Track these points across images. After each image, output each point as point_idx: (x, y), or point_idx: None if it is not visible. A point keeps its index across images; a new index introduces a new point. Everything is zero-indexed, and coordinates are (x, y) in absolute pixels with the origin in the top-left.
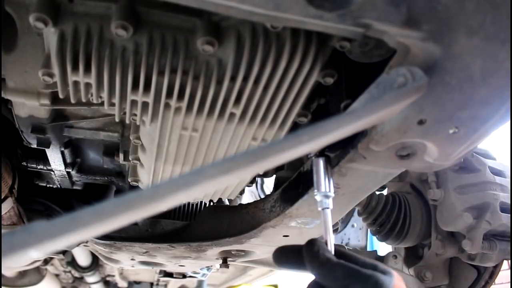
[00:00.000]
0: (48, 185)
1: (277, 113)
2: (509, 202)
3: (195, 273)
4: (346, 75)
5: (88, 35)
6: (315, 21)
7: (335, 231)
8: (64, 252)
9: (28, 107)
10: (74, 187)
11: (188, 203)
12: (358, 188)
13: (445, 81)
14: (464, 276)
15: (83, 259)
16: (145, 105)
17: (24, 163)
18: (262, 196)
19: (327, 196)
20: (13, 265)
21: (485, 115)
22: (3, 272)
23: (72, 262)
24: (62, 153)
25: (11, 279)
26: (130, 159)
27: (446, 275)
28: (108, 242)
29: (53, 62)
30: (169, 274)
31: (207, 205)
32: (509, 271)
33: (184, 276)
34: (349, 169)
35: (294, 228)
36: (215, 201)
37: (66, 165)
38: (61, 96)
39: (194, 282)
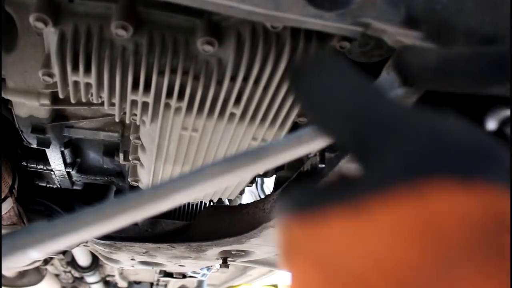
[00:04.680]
0: (48, 185)
1: (277, 113)
2: None
3: (195, 273)
4: None
5: (88, 35)
6: (315, 21)
7: None
8: (64, 252)
9: (28, 107)
10: (74, 187)
11: (188, 203)
12: None
13: None
14: None
15: (83, 259)
16: (145, 105)
17: (24, 163)
18: (262, 196)
19: None
20: (13, 265)
21: None
22: (3, 272)
23: (72, 262)
24: (62, 153)
25: (11, 279)
26: (130, 159)
27: None
28: (108, 242)
29: (53, 62)
30: (169, 274)
31: (207, 205)
32: None
33: (184, 276)
34: (349, 169)
35: None
36: (215, 201)
37: (66, 165)
38: (61, 96)
39: (194, 282)
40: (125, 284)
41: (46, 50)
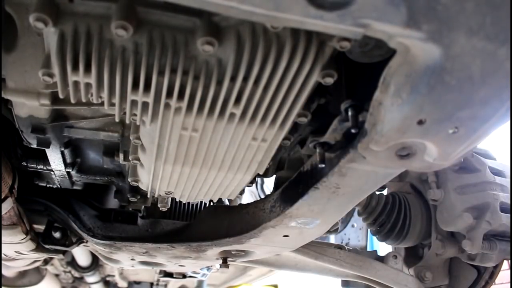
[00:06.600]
0: (48, 185)
1: (277, 113)
2: (509, 202)
3: (195, 273)
4: (346, 75)
5: (88, 35)
6: (315, 21)
7: (335, 231)
8: (64, 252)
9: (28, 107)
10: (74, 187)
11: (188, 203)
12: (358, 188)
13: (445, 81)
14: (464, 276)
15: (83, 259)
16: (145, 105)
17: (24, 163)
18: (262, 196)
19: None
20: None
21: (484, 115)
22: (3, 272)
23: (72, 262)
24: (62, 153)
25: (11, 279)
26: (130, 159)
27: (446, 275)
28: (108, 242)
29: (53, 62)
30: (169, 274)
31: (207, 205)
32: (509, 271)
33: (184, 276)
34: (349, 169)
35: (294, 228)
36: (215, 201)
37: (66, 165)
38: (61, 96)
39: (194, 282)
40: (125, 284)
41: (46, 50)
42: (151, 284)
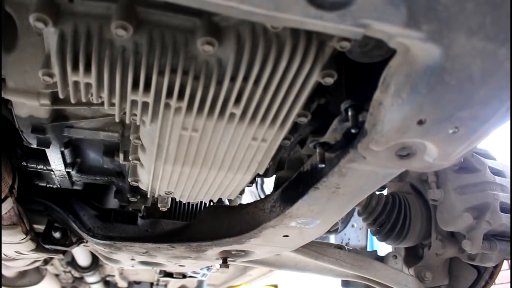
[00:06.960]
0: (48, 185)
1: (277, 113)
2: (509, 202)
3: (195, 273)
4: (346, 75)
5: (88, 35)
6: (315, 21)
7: (335, 231)
8: (64, 252)
9: (28, 107)
10: (74, 187)
11: (188, 203)
12: (358, 188)
13: (445, 81)
14: (464, 276)
15: (83, 259)
16: (145, 105)
17: (24, 163)
18: (262, 196)
19: None
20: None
21: (484, 115)
22: (3, 272)
23: (72, 262)
24: (62, 153)
25: (11, 279)
26: (130, 159)
27: (446, 275)
28: (108, 242)
29: (53, 62)
30: (169, 274)
31: (207, 205)
32: (509, 271)
33: (184, 276)
34: (349, 169)
35: (294, 228)
36: (215, 201)
37: (66, 165)
38: (61, 96)
39: (194, 282)
40: (125, 284)
41: (46, 50)
42: (151, 284)
